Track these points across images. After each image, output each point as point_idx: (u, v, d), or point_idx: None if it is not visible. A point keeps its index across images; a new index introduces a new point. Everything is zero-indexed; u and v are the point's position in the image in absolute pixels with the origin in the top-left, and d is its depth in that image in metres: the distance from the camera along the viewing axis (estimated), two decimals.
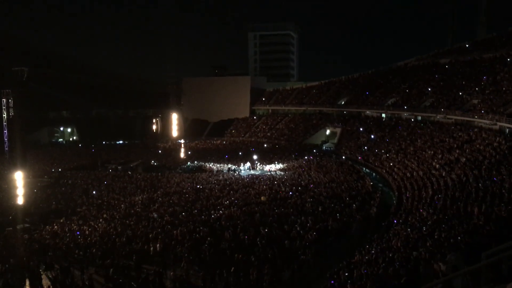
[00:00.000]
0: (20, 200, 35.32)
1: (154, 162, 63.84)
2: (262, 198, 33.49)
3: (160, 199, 36.26)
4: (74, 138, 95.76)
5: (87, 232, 26.17)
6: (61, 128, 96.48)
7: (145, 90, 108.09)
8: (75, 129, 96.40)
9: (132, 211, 31.87)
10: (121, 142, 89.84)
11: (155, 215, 29.63)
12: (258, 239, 21.89)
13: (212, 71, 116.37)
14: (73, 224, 28.97)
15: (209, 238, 22.39)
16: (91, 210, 33.12)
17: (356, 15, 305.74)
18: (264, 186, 40.23)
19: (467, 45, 75.09)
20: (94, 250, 22.07)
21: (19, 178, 35.68)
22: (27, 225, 30.71)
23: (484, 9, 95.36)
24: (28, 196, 36.81)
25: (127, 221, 28.23)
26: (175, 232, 24.16)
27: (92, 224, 28.22)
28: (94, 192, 40.88)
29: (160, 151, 75.66)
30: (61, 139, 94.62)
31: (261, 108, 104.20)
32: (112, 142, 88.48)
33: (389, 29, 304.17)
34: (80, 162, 62.71)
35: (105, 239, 23.85)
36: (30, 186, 39.36)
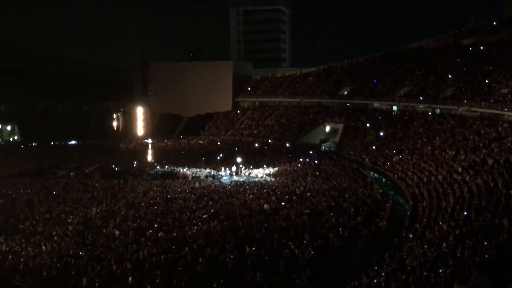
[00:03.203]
0: None
1: (115, 166, 63.43)
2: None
3: (122, 212, 36.00)
4: (15, 138, 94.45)
5: (31, 253, 25.87)
6: None
7: (103, 79, 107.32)
8: (15, 127, 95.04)
9: (88, 227, 31.61)
10: (73, 142, 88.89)
11: (117, 232, 29.43)
12: (243, 260, 21.88)
13: (186, 55, 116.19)
14: (14, 244, 28.60)
15: (183, 260, 22.33)
16: (37, 227, 32.74)
17: None
18: (251, 196, 40.24)
19: (494, 23, 76.08)
20: (44, 274, 21.88)
21: None
22: None
23: None
24: None
25: (82, 240, 27.98)
26: (141, 252, 24.03)
27: (38, 243, 27.90)
28: (40, 205, 40.40)
29: (122, 154, 75.19)
30: None
31: (246, 100, 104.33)
32: (62, 143, 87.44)
33: (401, 3, 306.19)
34: (23, 168, 61.89)
35: (55, 262, 23.60)
36: None
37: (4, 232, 31.37)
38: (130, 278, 20.40)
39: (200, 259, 22.46)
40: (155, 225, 30.97)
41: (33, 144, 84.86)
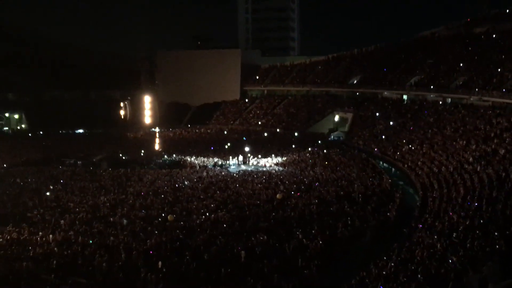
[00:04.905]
0: None
1: (122, 155, 63.63)
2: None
3: (130, 201, 36.20)
4: (23, 126, 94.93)
5: (39, 242, 26.10)
6: (6, 114, 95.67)
7: (110, 67, 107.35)
8: (23, 116, 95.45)
9: (96, 216, 31.82)
10: (80, 131, 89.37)
11: (124, 221, 29.63)
12: (251, 249, 21.98)
13: (193, 43, 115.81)
14: (22, 232, 28.86)
15: (190, 249, 22.47)
16: (45, 215, 33.00)
17: None
18: (259, 185, 40.32)
19: (507, 11, 75.32)
20: (53, 262, 22.10)
21: None
22: None
23: None
24: None
25: (89, 229, 28.19)
26: (148, 241, 24.19)
27: (46, 231, 28.13)
28: (48, 193, 40.69)
29: (129, 143, 75.44)
30: (6, 128, 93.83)
31: (254, 88, 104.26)
32: (70, 132, 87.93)
33: None
34: (30, 156, 62.21)
35: (64, 251, 23.81)
36: None
37: (12, 221, 31.66)
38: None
39: (208, 248, 22.60)
40: (163, 214, 31.15)
41: (40, 132, 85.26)
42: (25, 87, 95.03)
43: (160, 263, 20.97)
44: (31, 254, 23.65)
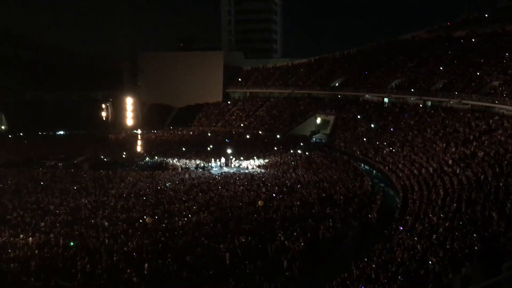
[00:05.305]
0: None
1: (104, 157, 63.20)
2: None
3: (111, 203, 35.95)
4: (2, 127, 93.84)
5: (19, 244, 25.79)
6: None
7: (93, 68, 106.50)
8: (3, 116, 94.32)
9: (77, 218, 31.54)
10: (61, 132, 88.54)
11: (106, 223, 29.41)
12: (233, 251, 21.96)
13: (176, 44, 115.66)
14: (2, 235, 28.50)
15: (172, 251, 22.38)
16: (25, 218, 32.62)
17: None
18: (241, 187, 40.33)
19: (486, 15, 76.37)
20: (33, 264, 21.84)
21: None
22: None
23: None
24: None
25: (71, 231, 27.93)
26: (130, 244, 24.04)
27: (26, 234, 27.82)
28: (28, 195, 40.23)
29: (111, 144, 74.93)
30: None
31: (237, 90, 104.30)
32: (51, 133, 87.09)
33: None
34: (10, 158, 61.54)
35: (44, 253, 23.56)
36: None
37: None
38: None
39: (190, 250, 22.54)
40: (144, 216, 30.99)
41: (21, 134, 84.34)
42: (5, 87, 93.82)
43: (146, 265, 20.87)
44: (11, 257, 23.37)
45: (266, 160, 56.94)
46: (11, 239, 27.09)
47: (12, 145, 73.23)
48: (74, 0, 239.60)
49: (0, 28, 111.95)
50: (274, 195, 36.15)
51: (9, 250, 24.63)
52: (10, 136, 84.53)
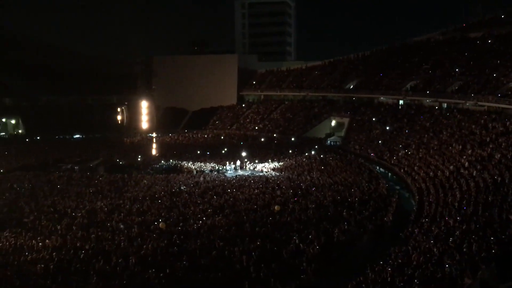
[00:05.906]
0: None
1: (119, 160, 63.62)
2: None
3: (127, 206, 36.16)
4: (19, 131, 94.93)
5: (36, 247, 26.03)
6: (3, 119, 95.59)
7: (107, 72, 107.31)
8: (20, 121, 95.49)
9: (93, 221, 31.77)
10: (77, 136, 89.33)
11: (121, 226, 29.59)
12: (247, 254, 21.97)
13: (190, 48, 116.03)
14: (19, 238, 28.79)
15: (187, 254, 22.44)
16: (42, 220, 32.94)
17: None
18: (256, 190, 40.31)
19: (502, 16, 75.62)
20: (51, 267, 22.01)
21: None
22: None
23: None
24: None
25: (86, 234, 28.13)
26: (145, 246, 24.16)
27: (43, 237, 28.07)
28: (44, 198, 40.61)
29: (126, 148, 75.40)
30: (3, 133, 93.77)
31: (251, 93, 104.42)
32: (67, 137, 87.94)
33: None
34: (27, 161, 62.13)
35: (61, 256, 23.75)
36: None
37: (9, 226, 31.60)
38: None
39: (205, 253, 22.59)
40: (160, 219, 31.12)
41: (37, 137, 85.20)
42: (22, 92, 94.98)
43: (158, 267, 20.95)
44: (28, 259, 23.61)
45: (281, 163, 56.88)
46: (28, 242, 27.40)
47: (29, 148, 74.05)
48: (88, 5, 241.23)
49: (16, 34, 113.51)
50: (289, 198, 36.08)
51: (27, 253, 24.90)
52: (27, 139, 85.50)
